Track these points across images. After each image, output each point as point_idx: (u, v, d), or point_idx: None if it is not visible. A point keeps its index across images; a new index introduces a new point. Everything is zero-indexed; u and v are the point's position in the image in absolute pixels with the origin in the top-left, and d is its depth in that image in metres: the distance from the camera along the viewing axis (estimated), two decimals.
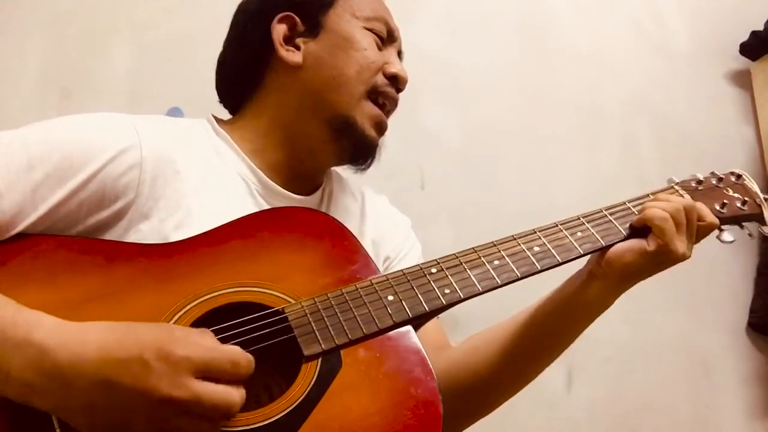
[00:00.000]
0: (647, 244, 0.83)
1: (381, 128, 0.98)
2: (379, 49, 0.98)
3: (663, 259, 0.83)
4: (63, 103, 1.70)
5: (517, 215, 1.62)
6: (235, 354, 0.65)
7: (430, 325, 0.99)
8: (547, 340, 0.91)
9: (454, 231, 1.70)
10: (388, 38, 1.00)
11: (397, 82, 0.99)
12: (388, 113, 1.00)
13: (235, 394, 0.63)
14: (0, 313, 0.65)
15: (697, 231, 0.86)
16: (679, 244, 0.82)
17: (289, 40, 0.97)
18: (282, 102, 0.97)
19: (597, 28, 2.02)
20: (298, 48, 0.97)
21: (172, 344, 0.62)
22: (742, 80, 2.04)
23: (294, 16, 0.98)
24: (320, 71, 0.95)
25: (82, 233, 0.80)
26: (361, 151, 0.98)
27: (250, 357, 0.65)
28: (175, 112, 1.54)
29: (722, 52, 2.04)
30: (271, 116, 0.97)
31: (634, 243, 0.84)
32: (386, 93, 0.97)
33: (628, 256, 0.84)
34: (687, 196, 0.89)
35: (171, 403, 0.60)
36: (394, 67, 0.98)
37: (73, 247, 0.77)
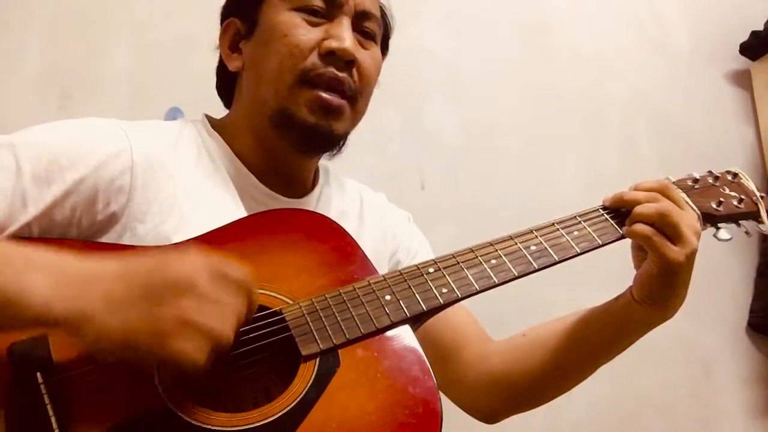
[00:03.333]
0: (651, 269, 0.83)
1: (325, 110, 0.88)
2: (314, 25, 0.89)
3: (674, 270, 0.82)
4: (63, 103, 1.71)
5: (517, 215, 1.62)
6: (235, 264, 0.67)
7: (468, 319, 1.03)
8: (603, 348, 0.93)
9: (454, 231, 1.70)
10: (328, 9, 0.89)
11: (336, 57, 0.88)
12: (343, 94, 0.89)
13: (251, 284, 0.66)
14: (20, 247, 0.67)
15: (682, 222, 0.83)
16: (675, 251, 0.81)
17: (235, 45, 0.96)
18: (243, 106, 0.96)
19: (597, 28, 2.02)
20: (241, 52, 0.95)
21: (185, 251, 0.66)
22: (742, 80, 2.05)
23: (236, 20, 0.95)
24: (253, 71, 0.92)
25: (78, 237, 0.79)
26: (309, 139, 0.90)
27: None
28: (175, 112, 1.55)
29: (722, 52, 2.05)
30: (244, 119, 0.95)
31: (643, 273, 0.85)
32: (321, 74, 0.87)
33: (647, 287, 0.84)
34: (683, 195, 0.89)
35: (192, 282, 0.62)
36: (332, 42, 0.87)
37: (72, 249, 0.76)
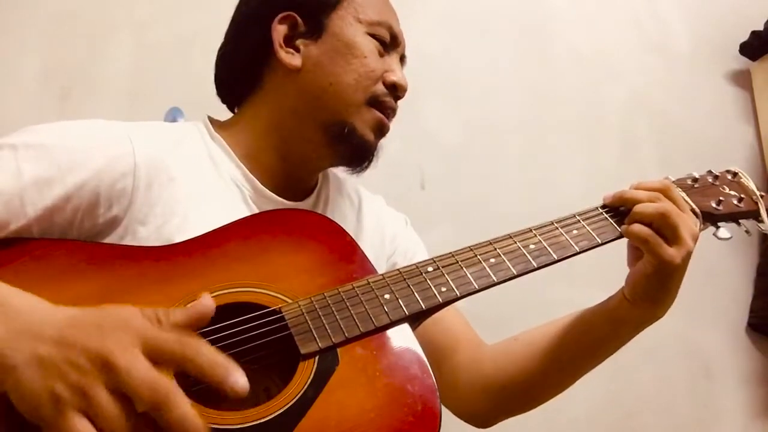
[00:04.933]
0: (645, 269, 0.83)
1: (382, 132, 0.96)
2: (381, 55, 0.96)
3: (668, 271, 0.82)
4: (63, 103, 1.71)
5: (517, 215, 1.61)
6: (193, 343, 0.59)
7: (460, 322, 1.03)
8: (595, 349, 0.93)
9: (454, 231, 1.70)
10: (391, 44, 0.97)
11: (396, 90, 0.96)
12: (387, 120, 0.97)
13: (173, 391, 0.55)
14: None
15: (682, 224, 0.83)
16: (671, 253, 0.82)
17: (289, 41, 0.95)
18: (279, 104, 0.95)
19: (597, 28, 2.02)
20: (298, 50, 0.94)
21: (132, 317, 0.59)
22: (742, 80, 2.04)
23: (296, 15, 0.95)
24: (319, 76, 0.93)
25: (78, 238, 0.80)
26: (359, 155, 0.96)
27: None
28: (175, 112, 1.55)
29: (722, 52, 2.04)
30: (268, 118, 0.95)
31: (637, 272, 0.85)
32: (385, 103, 0.95)
33: (640, 286, 0.85)
34: (683, 194, 0.89)
35: (108, 364, 0.55)
36: (395, 76, 0.95)
37: (73, 249, 0.77)
